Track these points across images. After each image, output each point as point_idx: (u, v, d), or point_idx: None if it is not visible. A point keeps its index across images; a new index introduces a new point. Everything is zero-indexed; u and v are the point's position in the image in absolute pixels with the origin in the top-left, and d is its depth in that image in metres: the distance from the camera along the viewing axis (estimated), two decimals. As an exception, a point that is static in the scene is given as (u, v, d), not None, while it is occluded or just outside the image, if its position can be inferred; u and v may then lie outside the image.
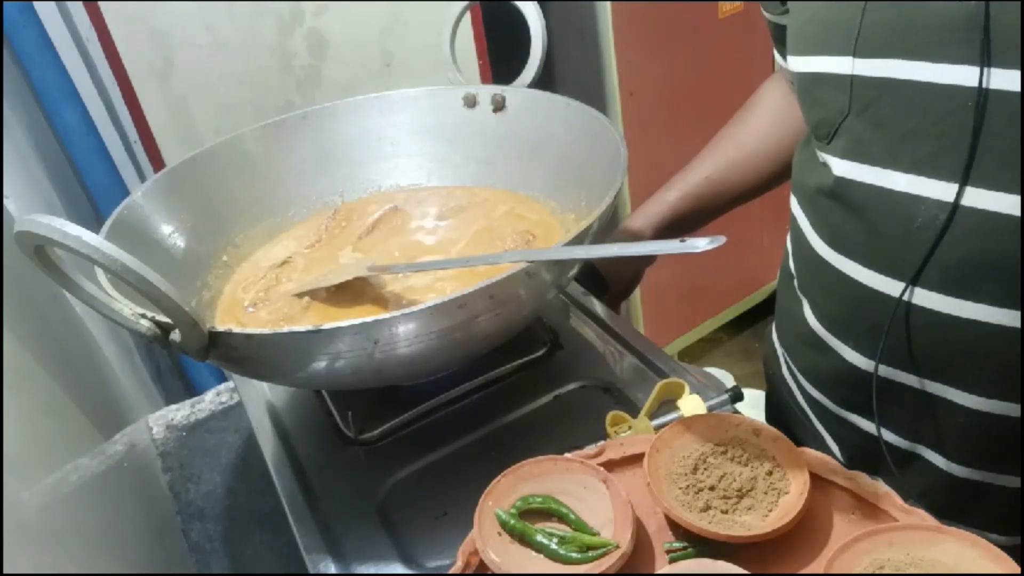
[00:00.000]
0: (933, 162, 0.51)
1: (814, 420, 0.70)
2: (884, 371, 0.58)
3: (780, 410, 0.77)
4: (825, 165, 0.60)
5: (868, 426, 0.63)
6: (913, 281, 0.53)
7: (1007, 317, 0.50)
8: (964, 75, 0.48)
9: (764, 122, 0.83)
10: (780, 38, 0.69)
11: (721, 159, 0.84)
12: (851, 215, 0.57)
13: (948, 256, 0.51)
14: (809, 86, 0.60)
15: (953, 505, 0.60)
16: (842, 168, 0.57)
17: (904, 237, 0.53)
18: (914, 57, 0.50)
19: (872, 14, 0.52)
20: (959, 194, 0.50)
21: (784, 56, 0.73)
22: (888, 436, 0.61)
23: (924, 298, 0.53)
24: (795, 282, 0.68)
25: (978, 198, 0.49)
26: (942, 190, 0.50)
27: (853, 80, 0.54)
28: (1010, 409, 0.54)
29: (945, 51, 0.49)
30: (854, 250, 0.58)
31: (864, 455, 0.65)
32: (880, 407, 0.60)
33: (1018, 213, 0.48)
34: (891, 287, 0.55)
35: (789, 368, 0.73)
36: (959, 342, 0.53)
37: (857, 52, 0.53)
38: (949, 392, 0.56)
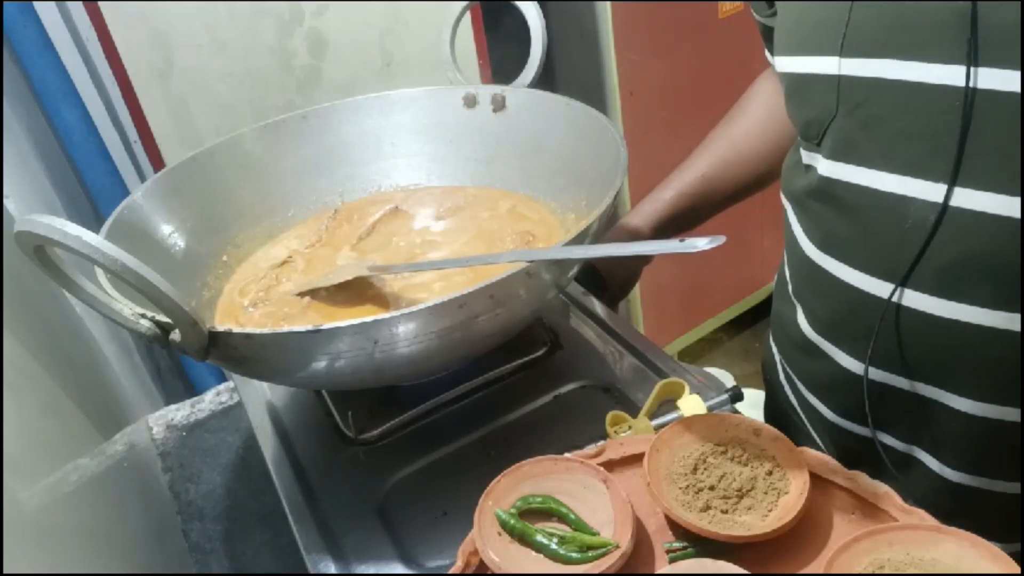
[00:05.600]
0: (922, 162, 0.50)
1: (809, 426, 0.70)
2: (878, 375, 0.58)
3: (779, 414, 0.77)
4: (811, 166, 0.59)
5: (864, 432, 0.63)
6: (903, 283, 0.53)
7: (999, 319, 0.50)
8: (952, 74, 0.47)
9: (758, 119, 0.83)
10: (770, 37, 0.69)
11: (716, 157, 0.84)
12: (841, 217, 0.57)
13: (939, 257, 0.51)
14: (796, 86, 0.59)
15: (950, 510, 0.60)
16: (831, 169, 0.57)
17: (894, 238, 0.53)
18: (902, 56, 0.50)
19: (858, 13, 0.52)
20: (948, 195, 0.49)
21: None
22: (885, 439, 0.61)
23: (916, 300, 0.53)
24: (789, 288, 0.68)
25: (968, 198, 0.49)
26: (931, 190, 0.50)
27: (840, 80, 0.53)
28: (1005, 413, 0.53)
29: (933, 50, 0.48)
30: (845, 253, 0.57)
31: (861, 461, 0.65)
32: (875, 411, 0.59)
33: (1008, 213, 0.47)
34: (883, 290, 0.55)
35: (786, 373, 0.72)
36: (952, 345, 0.53)
37: (844, 52, 0.53)
38: (944, 396, 0.55)
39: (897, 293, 0.54)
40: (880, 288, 0.55)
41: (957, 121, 0.48)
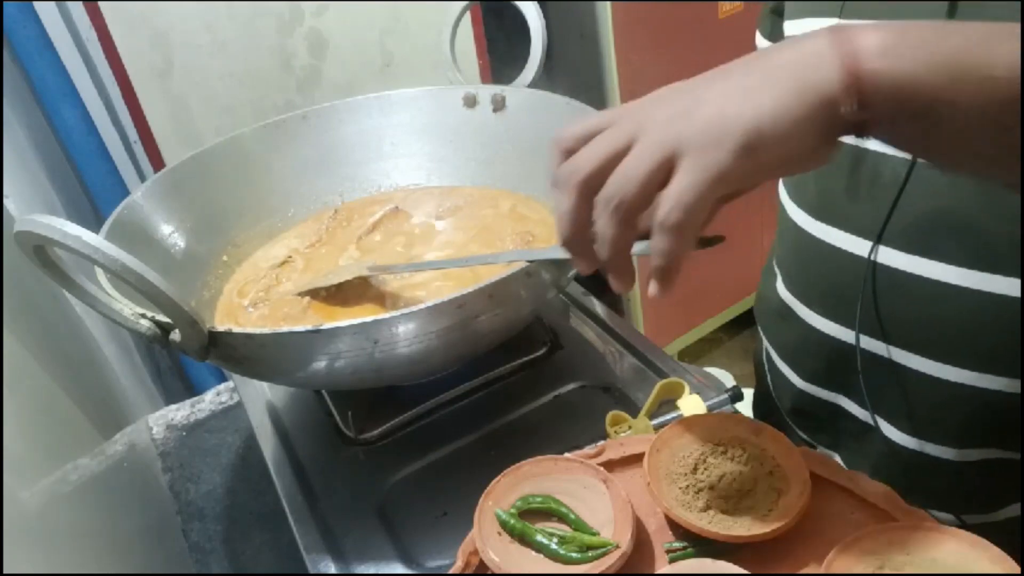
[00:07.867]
0: None
1: (775, 397, 0.72)
2: (848, 336, 0.59)
3: (761, 398, 0.78)
4: None
5: (828, 396, 0.64)
6: (878, 240, 0.55)
7: (969, 278, 0.52)
8: None
9: None
10: (779, 11, 0.71)
11: None
12: (823, 174, 0.58)
13: (910, 213, 0.53)
14: None
15: (902, 480, 0.60)
16: None
17: (870, 195, 0.55)
18: (896, 16, 0.51)
19: None
20: None
21: (764, 33, 0.74)
22: (847, 405, 0.63)
23: (889, 257, 0.55)
24: (774, 260, 0.69)
25: None
26: None
27: None
28: (968, 378, 0.54)
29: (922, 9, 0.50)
30: (825, 211, 0.59)
31: (820, 429, 0.66)
32: (842, 376, 0.61)
33: None
34: (857, 246, 0.56)
35: (766, 350, 0.74)
36: (921, 304, 0.54)
37: (843, 14, 0.55)
38: (911, 359, 0.57)
39: (873, 251, 0.55)
40: (855, 245, 0.57)
41: None
